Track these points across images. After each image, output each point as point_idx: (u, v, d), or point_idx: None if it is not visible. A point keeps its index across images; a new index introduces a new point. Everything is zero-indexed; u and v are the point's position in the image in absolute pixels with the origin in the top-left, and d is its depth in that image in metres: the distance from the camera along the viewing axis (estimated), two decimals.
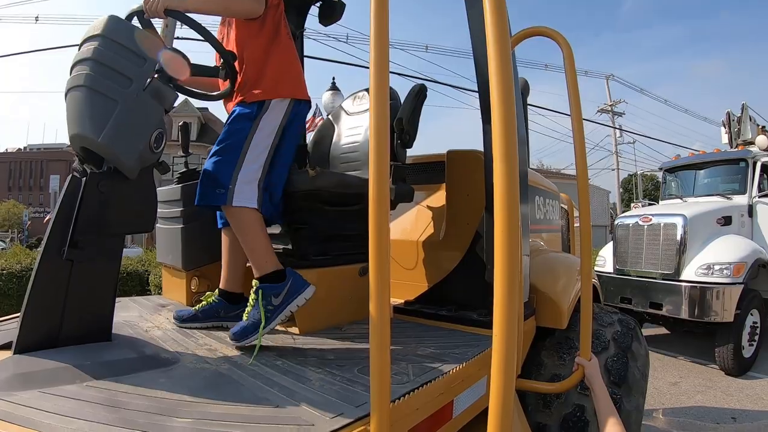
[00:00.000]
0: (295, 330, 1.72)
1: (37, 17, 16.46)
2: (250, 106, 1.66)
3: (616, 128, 24.22)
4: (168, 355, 1.42)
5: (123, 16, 1.51)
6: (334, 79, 8.90)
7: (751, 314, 5.18)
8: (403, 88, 2.27)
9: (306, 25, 2.72)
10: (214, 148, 1.65)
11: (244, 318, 1.57)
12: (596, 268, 6.20)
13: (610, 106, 24.05)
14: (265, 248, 1.65)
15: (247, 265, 1.80)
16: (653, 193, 28.87)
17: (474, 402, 1.45)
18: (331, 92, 8.67)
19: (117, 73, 1.32)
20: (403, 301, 2.13)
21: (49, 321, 1.31)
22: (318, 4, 2.50)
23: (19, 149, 55.98)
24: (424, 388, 1.20)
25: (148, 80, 1.38)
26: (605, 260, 6.31)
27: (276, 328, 1.74)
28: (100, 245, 1.37)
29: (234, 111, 1.68)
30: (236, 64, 1.68)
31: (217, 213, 1.86)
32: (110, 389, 1.13)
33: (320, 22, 2.49)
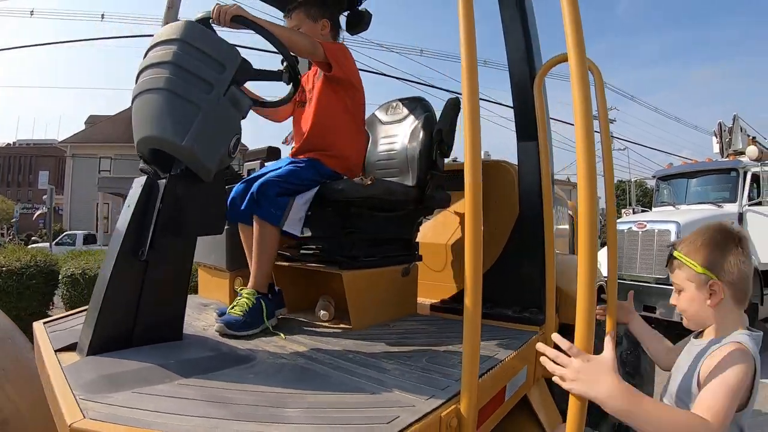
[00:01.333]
0: (347, 325, 1.83)
1: (32, 11, 16.31)
2: (327, 171, 1.90)
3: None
4: (243, 352, 1.44)
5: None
6: None
7: None
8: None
9: None
10: (278, 172, 1.81)
11: (239, 314, 1.66)
12: None
13: None
14: (270, 268, 1.84)
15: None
16: (641, 199, 29.47)
17: (516, 390, 1.59)
18: None
19: (198, 78, 1.33)
20: (438, 300, 2.27)
21: (123, 321, 1.32)
22: (345, 14, 2.58)
23: (8, 144, 54.79)
24: (489, 374, 1.33)
25: (227, 87, 1.39)
26: (599, 264, 6.47)
27: (331, 324, 1.88)
28: (175, 247, 1.39)
29: (311, 161, 1.90)
30: (320, 125, 1.94)
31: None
32: (205, 386, 1.12)
33: (347, 30, 2.54)
